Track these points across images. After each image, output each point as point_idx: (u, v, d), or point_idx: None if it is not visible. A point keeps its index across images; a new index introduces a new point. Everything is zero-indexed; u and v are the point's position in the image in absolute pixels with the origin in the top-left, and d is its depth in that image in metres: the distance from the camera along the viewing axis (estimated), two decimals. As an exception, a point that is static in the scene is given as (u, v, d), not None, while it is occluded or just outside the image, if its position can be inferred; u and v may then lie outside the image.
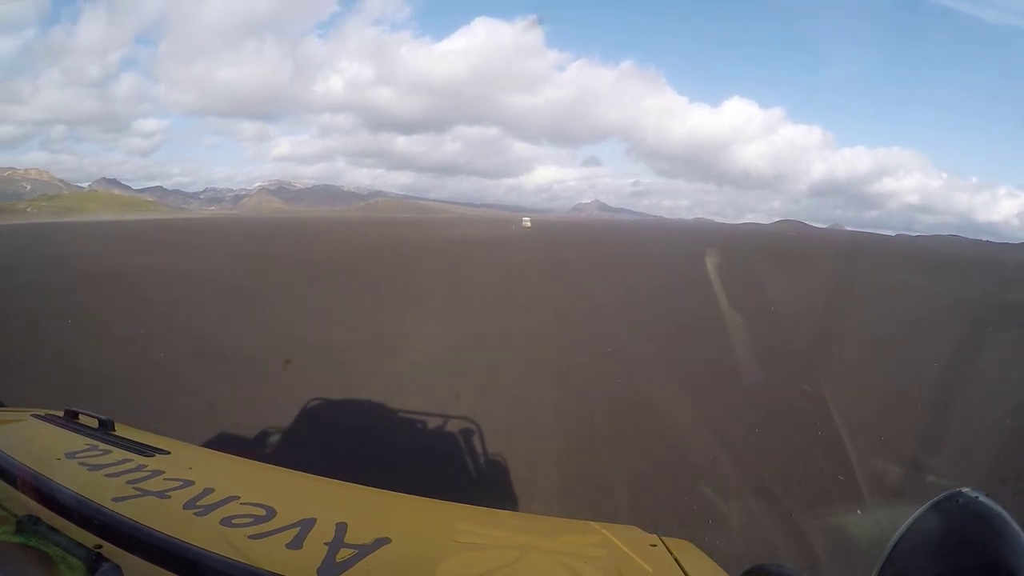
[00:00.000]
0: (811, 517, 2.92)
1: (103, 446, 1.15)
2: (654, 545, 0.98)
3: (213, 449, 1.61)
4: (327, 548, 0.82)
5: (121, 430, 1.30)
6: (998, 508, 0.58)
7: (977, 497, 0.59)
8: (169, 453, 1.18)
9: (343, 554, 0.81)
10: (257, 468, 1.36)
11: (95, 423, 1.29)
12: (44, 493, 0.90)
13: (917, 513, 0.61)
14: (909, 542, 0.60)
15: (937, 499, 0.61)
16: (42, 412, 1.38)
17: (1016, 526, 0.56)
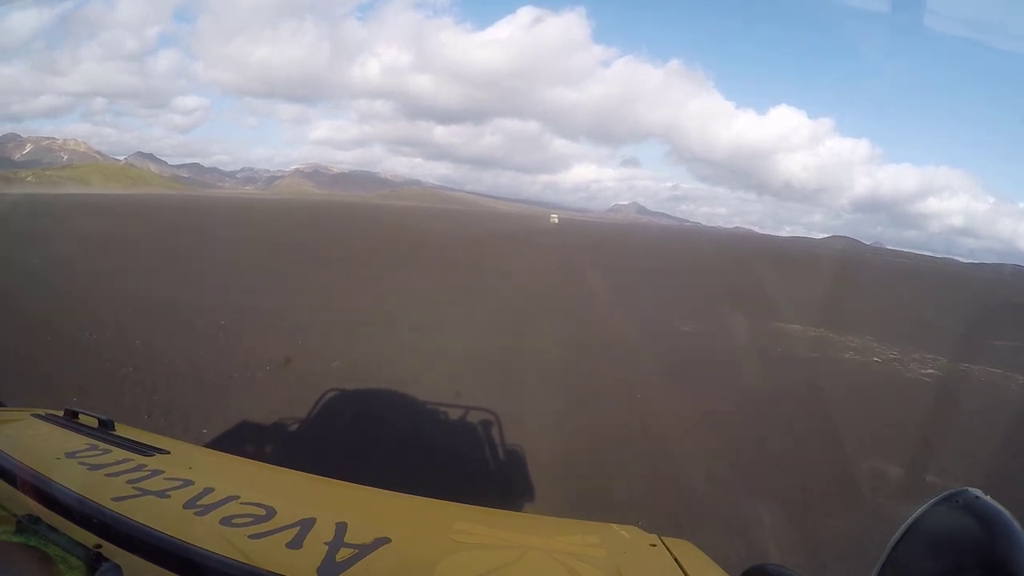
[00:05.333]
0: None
1: (103, 446, 1.15)
2: (654, 545, 0.99)
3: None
4: (327, 548, 0.82)
5: (121, 430, 1.30)
6: (999, 508, 0.58)
7: (978, 497, 0.59)
8: (169, 453, 1.18)
9: (343, 554, 0.81)
10: (257, 468, 1.36)
11: (95, 423, 1.29)
12: (44, 493, 0.90)
13: (918, 513, 0.60)
14: (910, 542, 0.59)
15: (938, 499, 0.60)
16: (42, 412, 1.38)
17: (1017, 526, 0.56)
